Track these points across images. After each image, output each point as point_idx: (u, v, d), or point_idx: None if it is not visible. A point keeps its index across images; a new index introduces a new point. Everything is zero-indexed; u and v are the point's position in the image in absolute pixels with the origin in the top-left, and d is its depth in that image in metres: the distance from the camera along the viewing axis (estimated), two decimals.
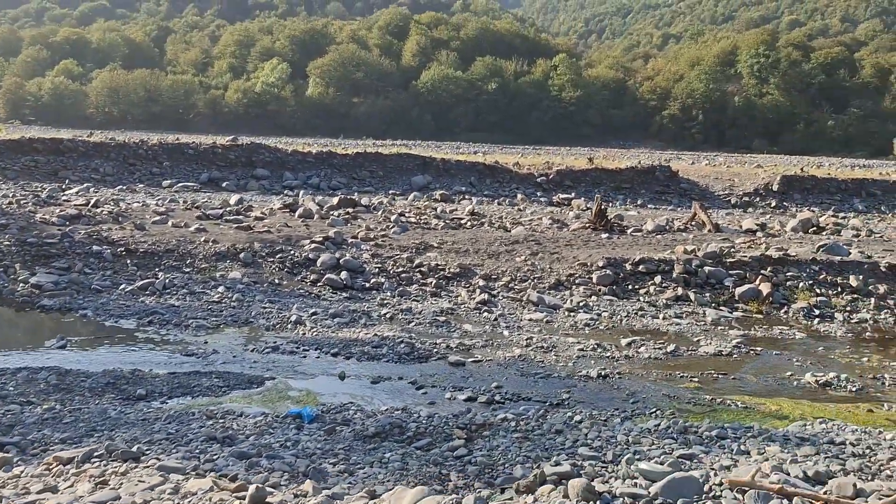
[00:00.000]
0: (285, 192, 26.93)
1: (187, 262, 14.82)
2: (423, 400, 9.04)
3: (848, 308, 14.58)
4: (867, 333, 13.33)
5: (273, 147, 29.99)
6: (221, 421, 7.32)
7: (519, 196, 28.60)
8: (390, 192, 28.15)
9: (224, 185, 27.04)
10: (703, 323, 13.45)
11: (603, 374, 10.27)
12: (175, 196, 22.78)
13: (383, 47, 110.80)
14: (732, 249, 16.68)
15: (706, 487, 4.04)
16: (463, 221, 19.21)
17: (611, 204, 28.49)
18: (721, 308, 14.39)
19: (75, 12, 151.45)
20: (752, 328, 13.31)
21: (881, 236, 20.02)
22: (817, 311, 14.33)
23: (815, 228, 20.64)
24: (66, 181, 25.66)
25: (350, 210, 19.55)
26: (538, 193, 29.36)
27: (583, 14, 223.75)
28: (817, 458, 6.78)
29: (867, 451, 7.11)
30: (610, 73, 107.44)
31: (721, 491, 3.99)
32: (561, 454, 6.56)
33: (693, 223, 20.30)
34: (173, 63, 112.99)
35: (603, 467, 6.31)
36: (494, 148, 71.01)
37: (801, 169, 34.83)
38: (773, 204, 29.05)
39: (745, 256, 15.88)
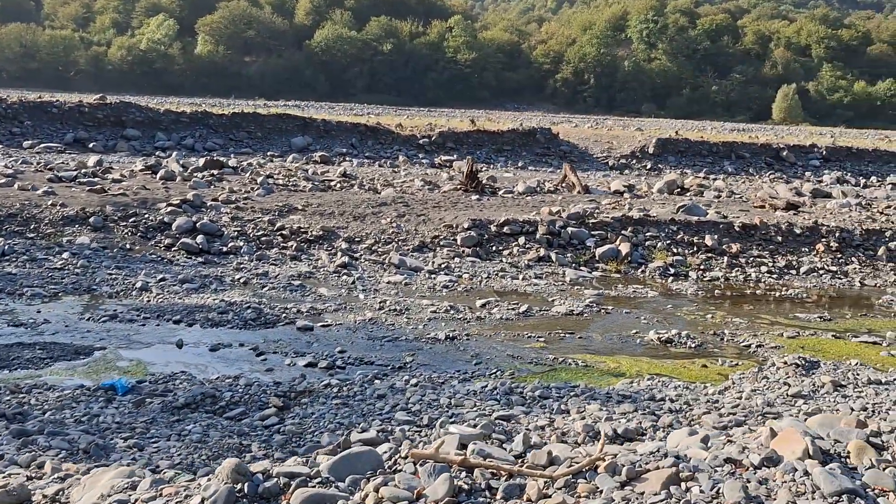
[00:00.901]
0: (157, 153, 25.86)
1: (31, 226, 14.02)
2: (261, 367, 8.79)
3: (702, 267, 15.03)
4: (717, 291, 13.76)
5: (145, 106, 28.66)
6: (23, 396, 6.90)
7: (400, 158, 28.34)
8: (268, 153, 27.42)
9: (91, 145, 25.72)
10: (561, 283, 13.60)
11: (451, 335, 10.23)
12: (29, 157, 21.51)
13: (276, 5, 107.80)
14: (597, 210, 16.94)
15: (390, 462, 3.95)
16: (333, 183, 18.83)
17: (491, 166, 28.63)
18: (581, 268, 14.60)
19: None
20: (609, 287, 13.55)
21: (741, 197, 20.72)
22: (672, 270, 14.73)
23: (679, 190, 21.20)
24: None
25: (215, 172, 18.85)
26: (420, 155, 29.16)
27: None
28: (634, 415, 6.91)
29: (684, 406, 7.28)
30: (505, 35, 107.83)
31: (403, 465, 3.91)
32: (376, 420, 6.47)
33: (563, 185, 20.54)
34: (51, 17, 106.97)
35: (416, 432, 6.24)
36: (388, 109, 70.43)
37: (676, 132, 35.78)
38: (649, 166, 29.73)
39: (608, 217, 16.15)
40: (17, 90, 63.11)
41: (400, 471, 3.86)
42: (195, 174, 18.38)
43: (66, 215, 14.45)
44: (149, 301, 11.19)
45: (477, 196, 18.23)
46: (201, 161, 19.99)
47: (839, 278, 15.07)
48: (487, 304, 11.87)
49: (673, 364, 9.58)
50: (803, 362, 8.66)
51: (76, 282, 11.88)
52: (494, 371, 8.84)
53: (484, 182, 19.50)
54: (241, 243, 14.19)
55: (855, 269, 15.49)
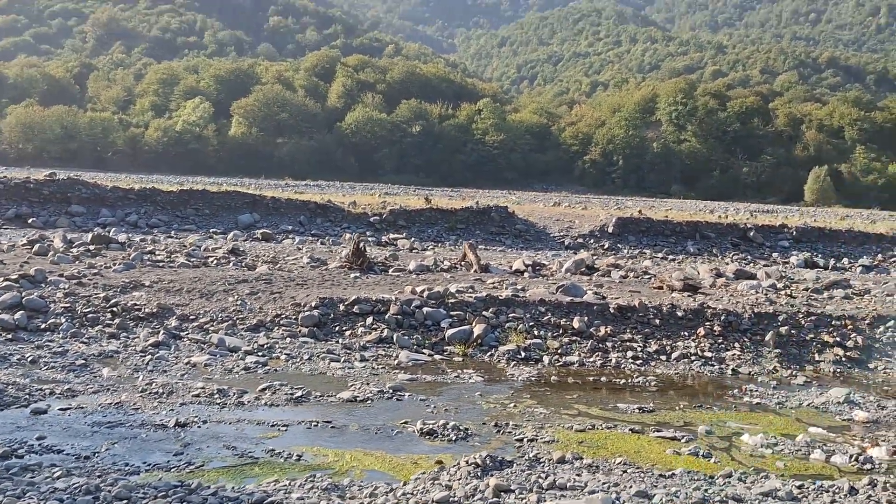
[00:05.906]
0: (96, 229, 25.79)
1: None
2: None
3: (560, 351, 13.94)
4: (555, 378, 12.65)
5: (92, 182, 28.81)
6: None
7: (346, 236, 27.81)
8: (212, 230, 27.19)
9: (30, 221, 25.84)
10: (384, 367, 12.65)
11: (183, 422, 9.37)
12: None
13: (309, 88, 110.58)
14: (470, 290, 16.01)
15: None
16: (210, 260, 18.26)
17: (440, 244, 27.92)
18: (423, 351, 13.64)
19: None
20: (435, 372, 12.55)
21: (650, 278, 19.49)
22: (523, 354, 13.67)
23: (586, 269, 20.12)
24: None
25: (94, 247, 18.50)
26: (369, 233, 28.60)
27: (515, 61, 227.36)
28: None
29: None
30: (534, 118, 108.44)
31: None
32: None
33: (462, 263, 19.66)
34: (94, 100, 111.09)
35: None
36: (408, 189, 70.67)
37: (640, 211, 34.69)
38: (606, 245, 28.66)
39: (470, 297, 15.20)
40: (54, 169, 64.59)
41: None
42: (74, 249, 18.01)
43: None
44: None
45: (357, 274, 17.44)
46: (89, 236, 19.67)
47: (712, 365, 13.84)
48: (269, 387, 11.00)
49: (405, 459, 8.56)
50: (490, 462, 7.56)
51: None
52: (182, 464, 7.98)
53: (380, 260, 18.74)
54: (63, 320, 13.60)
55: (734, 355, 14.24)
